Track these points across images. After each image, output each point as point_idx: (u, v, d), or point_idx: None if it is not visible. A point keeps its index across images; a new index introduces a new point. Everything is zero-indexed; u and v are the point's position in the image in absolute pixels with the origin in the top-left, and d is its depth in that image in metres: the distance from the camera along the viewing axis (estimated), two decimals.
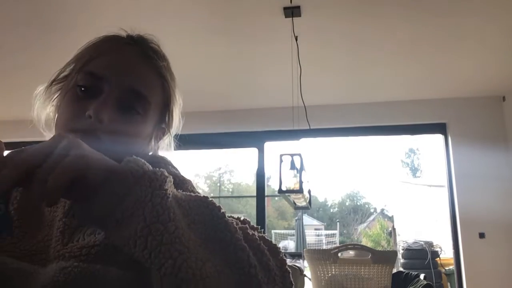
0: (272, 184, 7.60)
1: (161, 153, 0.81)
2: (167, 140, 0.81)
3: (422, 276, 2.70)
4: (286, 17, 2.96)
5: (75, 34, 3.14)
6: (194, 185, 0.71)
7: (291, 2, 2.82)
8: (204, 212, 0.51)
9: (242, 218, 0.60)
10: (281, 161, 2.98)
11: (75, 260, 0.55)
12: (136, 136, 0.69)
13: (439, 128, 4.77)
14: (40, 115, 0.76)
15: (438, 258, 5.45)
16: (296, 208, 3.59)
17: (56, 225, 0.61)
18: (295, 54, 3.20)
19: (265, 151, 4.87)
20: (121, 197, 0.45)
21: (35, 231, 0.61)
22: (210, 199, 0.52)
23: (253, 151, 4.91)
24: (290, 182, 2.90)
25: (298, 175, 2.89)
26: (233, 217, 0.60)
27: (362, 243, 5.69)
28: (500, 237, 4.27)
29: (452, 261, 4.66)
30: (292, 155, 2.95)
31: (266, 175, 4.88)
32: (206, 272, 0.45)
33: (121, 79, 0.66)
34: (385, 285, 2.29)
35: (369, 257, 2.33)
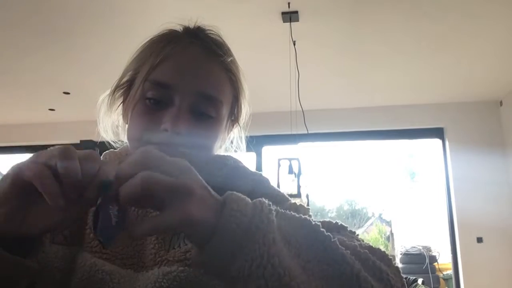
0: None
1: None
2: (236, 130, 0.78)
3: (420, 281, 2.69)
4: (284, 22, 2.97)
5: (76, 38, 3.15)
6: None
7: (289, 7, 2.83)
8: (315, 244, 0.48)
9: (335, 222, 0.59)
10: (279, 165, 2.98)
11: (179, 264, 0.55)
12: (214, 139, 0.67)
13: (437, 132, 4.78)
14: (106, 123, 0.74)
15: (436, 263, 5.45)
16: None
17: None
18: (293, 59, 3.21)
19: (263, 155, 4.87)
20: (231, 255, 0.43)
21: (120, 235, 0.60)
22: (314, 222, 0.50)
23: (251, 156, 4.91)
24: (288, 187, 2.90)
25: (296, 179, 2.89)
26: (325, 221, 0.59)
27: None
28: (498, 242, 4.27)
29: (450, 266, 4.66)
30: (290, 160, 2.95)
31: None
32: None
33: (191, 85, 0.63)
34: None
35: None
